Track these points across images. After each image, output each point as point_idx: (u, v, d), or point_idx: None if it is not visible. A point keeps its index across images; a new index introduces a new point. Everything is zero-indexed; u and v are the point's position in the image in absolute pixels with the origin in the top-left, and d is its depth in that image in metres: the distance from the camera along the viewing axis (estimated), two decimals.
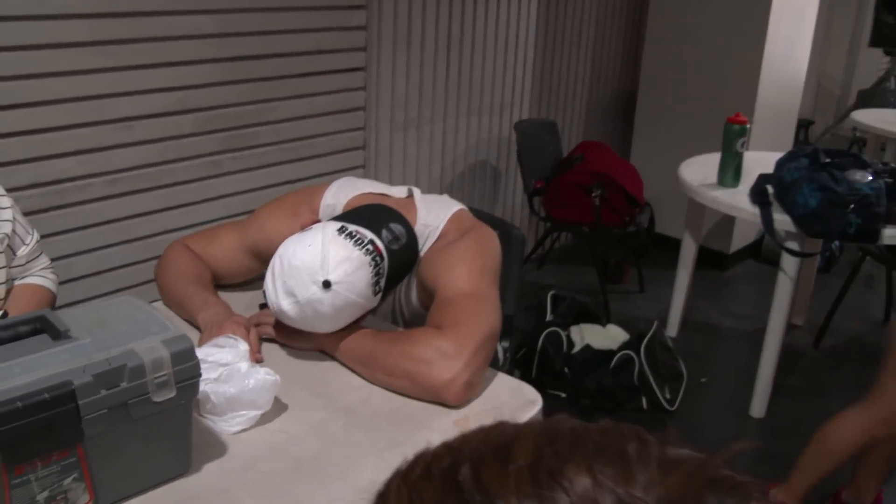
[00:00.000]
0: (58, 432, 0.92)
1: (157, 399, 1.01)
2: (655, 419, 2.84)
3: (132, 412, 0.99)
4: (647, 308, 3.72)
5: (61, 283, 2.23)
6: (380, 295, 1.36)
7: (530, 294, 3.43)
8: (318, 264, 1.27)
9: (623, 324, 3.13)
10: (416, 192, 1.59)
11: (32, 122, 2.11)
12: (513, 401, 1.30)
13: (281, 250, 1.32)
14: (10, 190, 2.05)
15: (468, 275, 1.40)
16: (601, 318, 3.16)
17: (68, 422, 0.92)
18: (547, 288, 3.55)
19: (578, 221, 3.43)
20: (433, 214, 1.53)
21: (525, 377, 2.92)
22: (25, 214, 2.09)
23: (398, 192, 1.60)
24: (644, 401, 2.87)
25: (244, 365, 1.24)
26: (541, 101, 3.95)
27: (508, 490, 0.34)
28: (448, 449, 0.40)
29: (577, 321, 3.03)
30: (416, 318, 1.55)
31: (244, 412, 1.20)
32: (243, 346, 1.28)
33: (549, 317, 3.01)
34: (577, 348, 2.89)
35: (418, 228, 1.52)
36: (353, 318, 1.36)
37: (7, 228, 1.44)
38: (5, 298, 1.44)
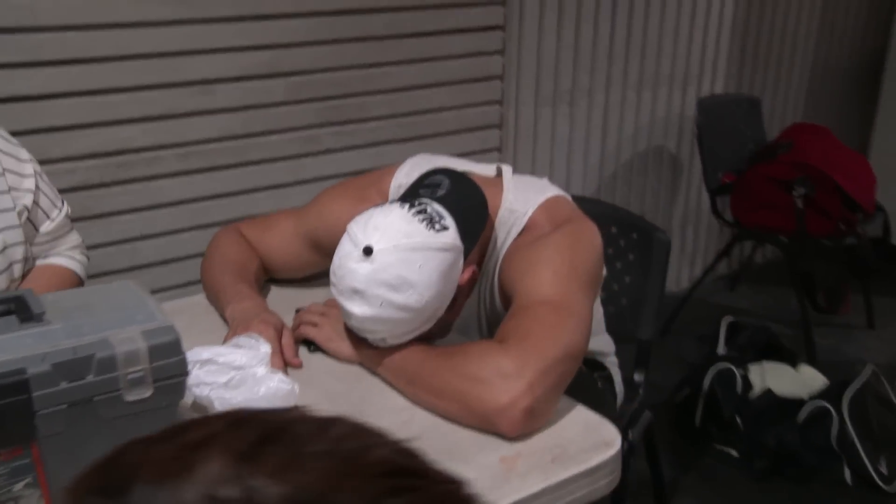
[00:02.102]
0: (6, 427, 1.00)
1: (130, 398, 1.07)
2: (864, 500, 2.66)
3: (100, 411, 1.06)
4: (877, 350, 3.49)
5: (120, 270, 2.41)
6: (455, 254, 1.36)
7: (712, 320, 3.32)
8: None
9: (837, 368, 2.96)
10: (507, 170, 1.60)
11: (93, 80, 2.28)
12: (582, 439, 1.28)
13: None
14: (65, 160, 2.25)
15: (553, 278, 1.39)
16: (795, 357, 3.02)
17: (19, 415, 1.00)
18: (739, 314, 3.43)
19: (774, 228, 3.29)
20: (521, 198, 1.53)
21: (687, 426, 2.85)
22: (82, 189, 2.29)
23: (485, 169, 1.62)
24: (847, 472, 2.70)
25: (261, 370, 1.29)
26: (742, 69, 3.82)
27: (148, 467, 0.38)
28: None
29: (759, 357, 2.91)
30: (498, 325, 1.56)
31: None
32: (265, 348, 1.33)
33: (720, 349, 2.91)
34: (755, 392, 2.77)
35: (502, 214, 1.52)
36: (422, 321, 1.37)
37: (27, 200, 1.54)
38: (22, 279, 1.55)
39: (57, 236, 1.65)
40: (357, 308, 1.33)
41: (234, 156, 2.57)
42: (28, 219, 1.57)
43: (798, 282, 3.44)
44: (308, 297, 1.70)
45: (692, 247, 3.97)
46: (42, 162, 1.69)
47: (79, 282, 1.68)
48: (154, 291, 2.49)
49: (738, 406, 2.76)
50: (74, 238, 1.71)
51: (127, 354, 1.06)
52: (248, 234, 1.74)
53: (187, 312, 1.67)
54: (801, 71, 4.06)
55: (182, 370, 1.11)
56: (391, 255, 1.30)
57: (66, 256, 1.68)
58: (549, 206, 1.53)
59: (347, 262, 1.32)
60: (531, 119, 3.15)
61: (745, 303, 3.85)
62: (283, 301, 1.70)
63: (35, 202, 1.57)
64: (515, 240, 1.51)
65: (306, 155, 2.70)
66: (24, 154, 1.59)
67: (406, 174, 1.63)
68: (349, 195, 1.66)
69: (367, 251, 1.30)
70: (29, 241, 1.58)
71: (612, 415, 1.63)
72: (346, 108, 2.73)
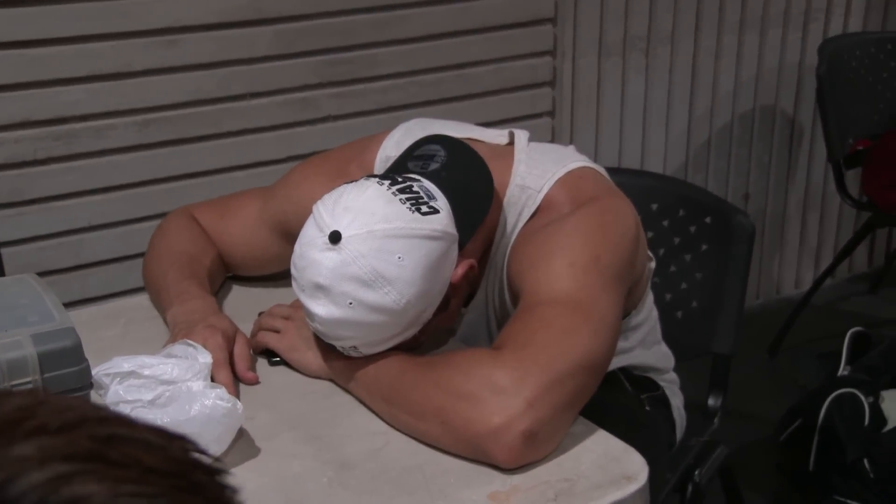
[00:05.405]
0: None
1: None
2: None
3: None
4: None
5: (63, 269, 2.47)
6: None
7: (842, 332, 3.30)
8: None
9: None
10: (521, 136, 1.64)
11: (23, 29, 2.33)
12: (598, 472, 1.31)
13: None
14: None
15: (568, 271, 1.43)
16: None
17: None
18: (880, 325, 3.41)
19: None
20: (536, 172, 1.57)
21: (798, 470, 2.84)
22: (11, 167, 2.37)
23: (495, 136, 1.66)
24: None
25: (198, 384, 1.35)
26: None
27: None
28: None
29: None
30: None
31: None
32: (204, 359, 1.39)
33: (842, 370, 2.91)
34: (889, 426, 2.76)
35: (512, 192, 1.56)
36: (403, 328, 1.42)
37: None
38: None
39: None
40: (321, 308, 1.38)
41: (207, 125, 2.62)
42: None
43: None
44: (276, 298, 1.75)
45: (817, 237, 3.96)
46: None
47: None
48: (106, 296, 2.57)
49: (865, 445, 2.75)
50: None
51: (11, 363, 1.13)
52: (202, 219, 1.80)
53: (124, 316, 1.74)
54: None
55: (84, 382, 1.18)
56: (364, 242, 1.34)
57: None
58: (570, 180, 1.56)
59: (310, 252, 1.37)
60: (593, 74, 3.18)
61: (891, 310, 3.83)
62: (246, 303, 1.77)
63: None
64: (527, 223, 1.54)
65: (300, 123, 2.75)
66: None
67: (396, 143, 1.67)
68: (326, 171, 1.70)
69: (335, 237, 1.34)
70: None
71: (656, 445, 1.67)
72: (350, 64, 2.77)
